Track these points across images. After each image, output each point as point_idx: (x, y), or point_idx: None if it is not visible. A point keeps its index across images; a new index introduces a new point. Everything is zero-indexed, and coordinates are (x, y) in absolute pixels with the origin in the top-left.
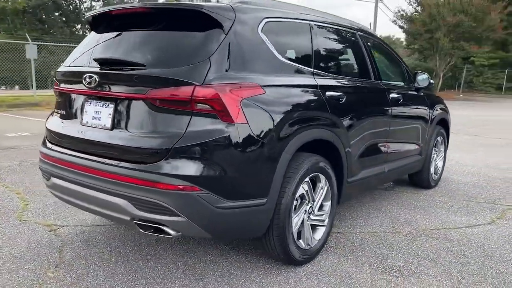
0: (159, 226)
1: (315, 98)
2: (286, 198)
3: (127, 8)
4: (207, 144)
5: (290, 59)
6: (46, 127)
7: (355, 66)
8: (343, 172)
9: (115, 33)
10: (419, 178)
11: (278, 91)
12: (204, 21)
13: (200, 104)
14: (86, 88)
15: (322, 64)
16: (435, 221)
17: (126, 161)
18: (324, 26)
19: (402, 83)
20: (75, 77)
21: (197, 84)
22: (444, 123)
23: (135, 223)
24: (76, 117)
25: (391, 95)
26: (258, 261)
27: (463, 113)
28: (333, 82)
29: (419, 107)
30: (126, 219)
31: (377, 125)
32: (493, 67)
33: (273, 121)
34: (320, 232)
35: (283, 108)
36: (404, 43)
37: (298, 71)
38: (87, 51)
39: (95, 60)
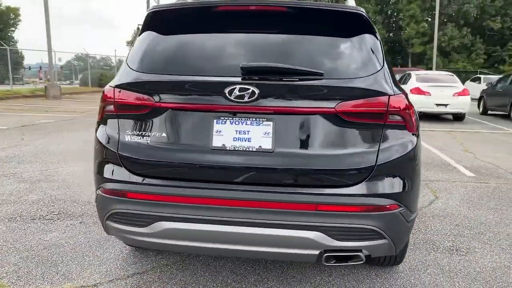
0: (354, 254)
1: None
2: None
3: (268, 5)
4: (404, 157)
5: None
6: (125, 156)
7: None
8: None
9: (247, 35)
10: None
11: None
12: (359, 25)
13: (393, 116)
14: (232, 103)
15: None
16: None
17: (313, 186)
18: None
19: None
20: (201, 88)
21: (391, 94)
22: None
23: (326, 256)
24: (194, 140)
25: None
26: (358, 268)
27: None
28: None
29: None
30: (312, 254)
31: None
32: None
33: (419, 128)
34: None
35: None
36: None
37: None
38: (199, 55)
39: (245, 68)
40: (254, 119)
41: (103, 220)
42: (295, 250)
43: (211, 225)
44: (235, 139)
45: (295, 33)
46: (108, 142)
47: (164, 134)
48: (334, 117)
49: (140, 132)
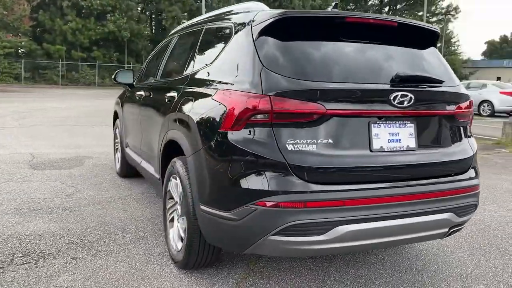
0: (463, 226)
1: None
2: None
3: (386, 20)
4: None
5: None
6: (297, 165)
7: None
8: None
9: (373, 45)
10: None
11: None
12: (436, 41)
13: (472, 115)
14: (394, 108)
15: None
16: None
17: (448, 175)
18: None
19: None
20: (366, 95)
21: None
22: None
23: (451, 231)
24: (355, 144)
25: None
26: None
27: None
28: None
29: None
30: (444, 231)
31: None
32: (9, 56)
33: None
34: None
35: None
36: None
37: None
38: (353, 64)
39: (400, 76)
40: (401, 122)
41: (263, 236)
42: (435, 231)
43: (382, 221)
44: (389, 141)
45: (406, 46)
46: (265, 153)
47: (330, 141)
48: (452, 118)
49: (307, 140)
